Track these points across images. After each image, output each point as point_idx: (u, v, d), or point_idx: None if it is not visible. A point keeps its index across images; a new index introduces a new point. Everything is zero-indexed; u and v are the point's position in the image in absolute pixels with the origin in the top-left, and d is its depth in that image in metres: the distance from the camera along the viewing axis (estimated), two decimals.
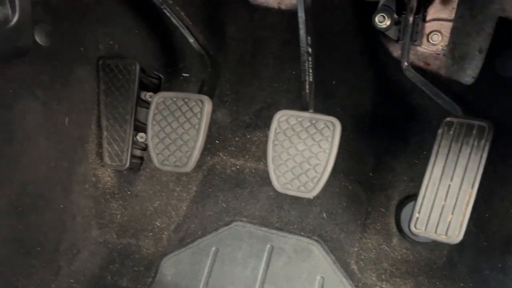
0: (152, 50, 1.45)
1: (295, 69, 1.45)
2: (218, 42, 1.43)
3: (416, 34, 1.19)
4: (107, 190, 1.37)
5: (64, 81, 1.26)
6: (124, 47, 1.39)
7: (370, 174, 1.31)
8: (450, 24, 1.25)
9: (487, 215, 1.10)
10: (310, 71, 1.09)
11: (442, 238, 0.97)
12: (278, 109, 1.36)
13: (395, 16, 1.19)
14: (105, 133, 1.33)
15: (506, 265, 1.07)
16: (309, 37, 1.09)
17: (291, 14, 1.41)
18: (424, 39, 1.29)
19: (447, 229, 0.96)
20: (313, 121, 1.00)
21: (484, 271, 1.11)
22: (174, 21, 1.15)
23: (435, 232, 0.98)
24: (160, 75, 1.45)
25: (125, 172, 1.40)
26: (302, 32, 1.06)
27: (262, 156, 1.41)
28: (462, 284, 1.13)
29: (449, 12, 1.24)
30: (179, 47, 1.46)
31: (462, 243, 1.09)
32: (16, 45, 1.05)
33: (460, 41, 1.20)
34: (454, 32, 1.23)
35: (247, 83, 1.47)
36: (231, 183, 1.39)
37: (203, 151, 1.18)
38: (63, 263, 1.22)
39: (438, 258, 1.20)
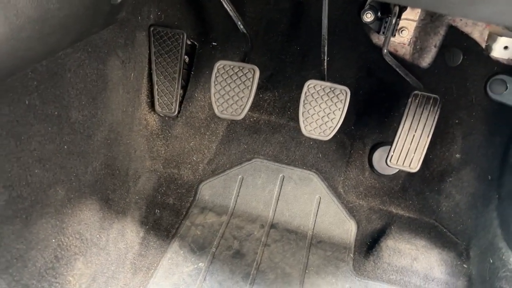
0: (190, 22, 1.75)
1: (299, 45, 1.87)
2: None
3: (395, 31, 1.67)
4: (153, 131, 1.73)
5: (131, 44, 1.57)
6: (168, 17, 1.72)
7: (352, 127, 1.80)
8: (414, 24, 1.74)
9: (430, 156, 1.67)
10: (326, 51, 1.54)
11: (406, 168, 1.51)
12: (284, 76, 1.78)
13: (379, 14, 1.65)
14: (156, 87, 1.67)
15: (440, 188, 1.66)
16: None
17: (299, 2, 1.82)
18: (396, 33, 1.77)
19: (410, 163, 1.50)
20: (332, 88, 1.46)
21: (425, 193, 1.69)
22: (225, 5, 1.52)
23: (403, 165, 1.51)
24: (195, 43, 1.80)
25: (166, 119, 1.76)
26: (325, 21, 1.47)
27: (272, 111, 1.84)
28: (410, 202, 1.71)
29: (414, 15, 1.73)
30: (211, 21, 1.79)
31: (412, 174, 1.64)
32: (116, 17, 1.37)
33: (421, 37, 1.70)
34: (417, 30, 1.73)
35: (261, 54, 1.87)
36: (250, 130, 1.80)
37: None
38: (131, 184, 1.58)
39: (395, 186, 1.75)
